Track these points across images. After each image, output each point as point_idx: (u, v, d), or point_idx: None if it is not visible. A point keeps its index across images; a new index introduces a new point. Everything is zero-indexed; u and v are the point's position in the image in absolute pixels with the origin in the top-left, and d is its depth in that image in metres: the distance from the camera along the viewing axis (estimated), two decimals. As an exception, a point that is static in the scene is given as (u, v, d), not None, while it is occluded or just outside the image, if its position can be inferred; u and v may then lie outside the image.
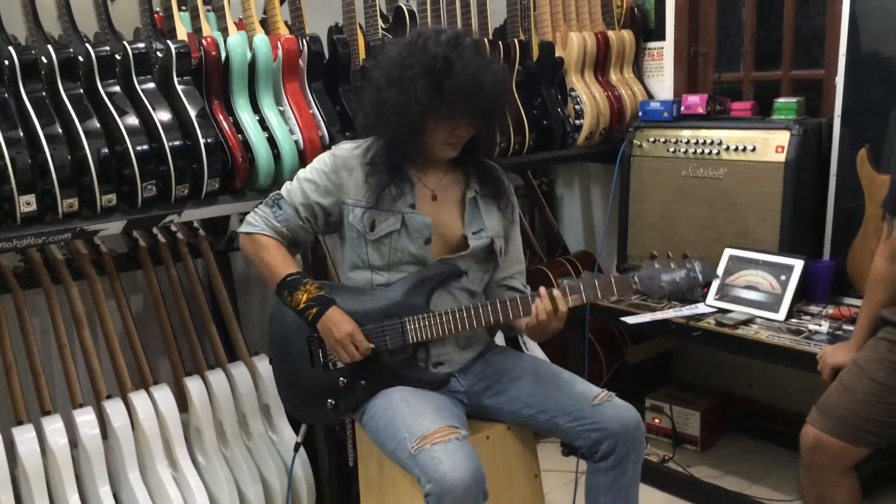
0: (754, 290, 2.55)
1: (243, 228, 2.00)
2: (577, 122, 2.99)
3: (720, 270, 2.63)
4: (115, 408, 2.27)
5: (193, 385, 2.41)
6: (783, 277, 2.51)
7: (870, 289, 2.02)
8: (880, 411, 1.85)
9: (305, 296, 1.90)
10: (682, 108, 2.93)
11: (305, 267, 2.57)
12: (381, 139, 1.92)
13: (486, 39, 2.73)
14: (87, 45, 2.07)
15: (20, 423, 2.21)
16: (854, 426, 1.87)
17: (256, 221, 1.97)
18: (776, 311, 2.48)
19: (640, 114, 3.01)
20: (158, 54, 2.13)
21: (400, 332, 1.91)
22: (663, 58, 3.21)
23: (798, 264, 2.50)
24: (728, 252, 2.65)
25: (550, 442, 3.07)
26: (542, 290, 1.85)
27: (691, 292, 1.92)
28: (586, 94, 3.01)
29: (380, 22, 2.58)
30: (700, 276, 1.89)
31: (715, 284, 2.56)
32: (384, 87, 1.85)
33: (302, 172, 1.99)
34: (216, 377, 2.45)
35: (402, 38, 1.95)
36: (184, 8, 2.36)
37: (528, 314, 1.87)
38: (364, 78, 2.39)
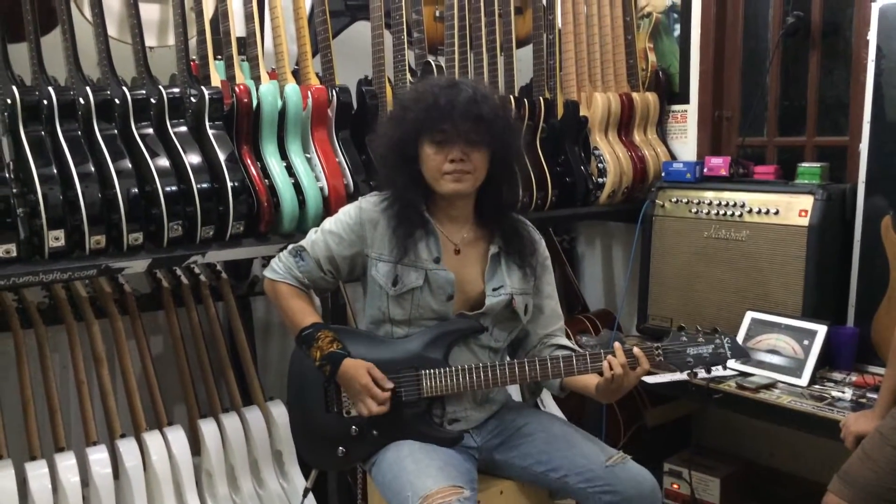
0: (776, 355, 2.52)
1: (267, 273, 2.01)
2: (600, 180, 3.01)
3: (742, 333, 2.60)
4: (128, 447, 2.27)
5: (207, 428, 2.41)
6: (806, 342, 2.48)
7: (893, 357, 1.99)
8: (904, 481, 1.81)
9: (318, 353, 1.89)
10: (706, 170, 2.94)
11: (325, 314, 2.57)
12: (395, 188, 1.92)
13: (511, 96, 2.78)
14: (124, 88, 2.14)
15: (34, 458, 2.21)
16: (876, 495, 1.82)
17: (279, 269, 1.99)
18: (798, 376, 2.44)
19: (663, 174, 3.03)
20: (192, 99, 2.19)
21: (415, 384, 1.89)
22: (687, 120, 3.24)
23: (821, 330, 2.47)
24: (750, 315, 2.63)
25: None
26: (617, 344, 1.84)
27: (716, 366, 1.89)
28: (609, 153, 3.04)
29: (408, 76, 2.63)
30: (729, 353, 1.86)
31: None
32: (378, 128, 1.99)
33: (326, 223, 1.99)
34: (230, 421, 2.45)
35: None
36: (219, 57, 2.43)
37: (558, 374, 1.85)
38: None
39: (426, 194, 1.92)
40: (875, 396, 2.28)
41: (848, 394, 2.33)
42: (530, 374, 1.88)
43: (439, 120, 1.81)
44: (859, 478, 1.85)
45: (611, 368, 1.81)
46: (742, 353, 1.91)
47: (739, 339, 2.59)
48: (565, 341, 2.05)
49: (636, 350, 1.83)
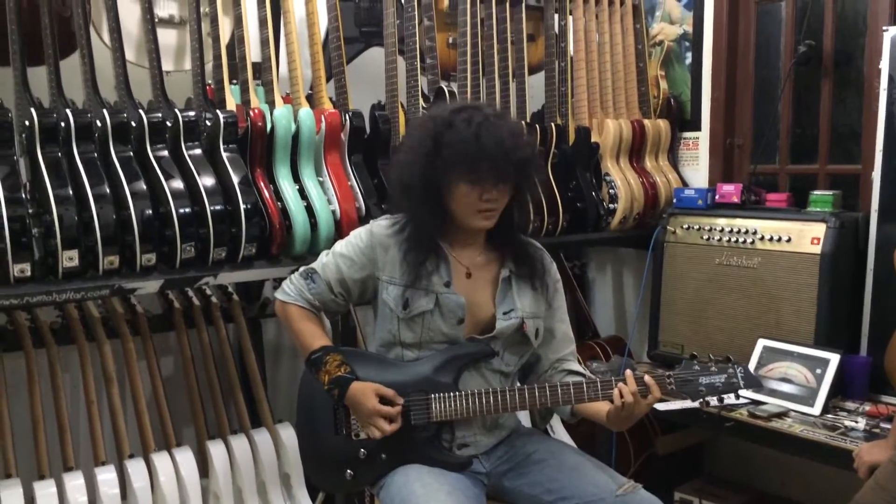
0: (789, 383, 2.50)
1: (279, 295, 2.02)
2: (612, 206, 3.02)
3: (753, 362, 2.58)
4: (136, 468, 2.27)
5: (216, 449, 2.41)
6: (819, 371, 2.46)
7: None
8: (917, 512, 1.79)
9: (326, 377, 1.89)
10: (717, 197, 2.94)
11: (335, 337, 2.58)
12: (408, 213, 1.92)
13: (523, 122, 2.80)
14: (140, 110, 2.17)
15: (42, 477, 2.21)
16: (890, 526, 1.80)
17: (291, 291, 1.99)
18: (811, 405, 2.42)
19: (675, 201, 3.03)
20: (207, 122, 2.22)
21: (425, 408, 1.88)
22: (699, 148, 3.25)
23: (834, 358, 2.45)
24: (762, 343, 2.61)
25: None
26: (628, 372, 1.82)
27: (728, 394, 1.87)
28: (621, 180, 3.05)
29: (421, 101, 2.66)
30: (742, 383, 1.85)
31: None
32: (397, 159, 1.91)
33: (338, 246, 1.99)
34: (239, 442, 2.45)
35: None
36: (234, 81, 2.46)
37: (579, 399, 1.83)
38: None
39: (443, 222, 1.92)
40: (889, 426, 2.26)
41: (861, 423, 2.31)
42: (540, 401, 1.86)
43: (480, 159, 1.78)
44: (872, 508, 1.83)
45: (621, 396, 1.79)
46: (755, 383, 1.89)
47: (751, 367, 2.57)
48: (577, 366, 2.04)
49: (647, 378, 1.81)
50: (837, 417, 2.38)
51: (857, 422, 2.33)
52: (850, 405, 2.47)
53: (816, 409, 2.40)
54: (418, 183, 1.84)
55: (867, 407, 2.44)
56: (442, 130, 1.82)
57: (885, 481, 1.85)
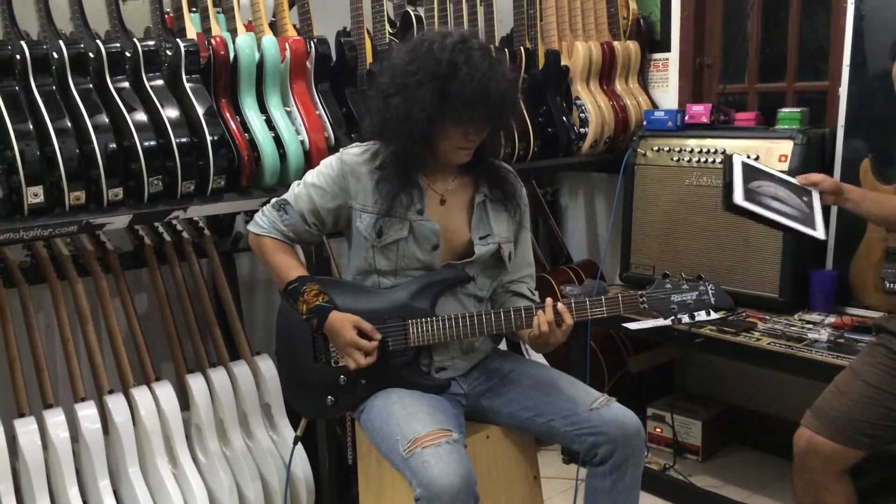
0: (781, 202, 2.15)
1: (251, 228, 2.01)
2: (582, 130, 3.01)
3: (736, 175, 2.21)
4: (116, 403, 2.28)
5: (195, 383, 2.42)
6: (805, 199, 2.16)
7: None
8: (874, 414, 1.86)
9: (304, 306, 1.90)
10: (687, 118, 2.94)
11: (309, 269, 2.58)
12: (388, 145, 1.91)
13: (492, 46, 2.76)
14: (98, 41, 2.10)
15: (22, 415, 2.22)
16: (847, 428, 1.87)
17: (264, 223, 1.98)
18: (814, 227, 2.09)
19: (645, 123, 3.03)
20: (168, 52, 2.16)
21: (402, 334, 1.91)
22: (668, 69, 3.23)
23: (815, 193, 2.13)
24: (738, 158, 2.24)
25: (551, 450, 3.06)
26: (548, 301, 1.84)
27: (699, 312, 1.90)
28: (591, 103, 3.04)
29: (387, 27, 2.61)
30: (713, 301, 1.87)
31: (738, 192, 2.14)
32: (390, 92, 1.83)
33: (308, 176, 1.98)
34: (218, 375, 2.47)
35: (408, 42, 1.90)
36: (194, 9, 2.39)
37: (529, 325, 1.85)
38: (370, 82, 2.40)
39: (423, 157, 1.90)
40: (854, 336, 2.35)
41: (825, 334, 2.38)
42: (516, 324, 1.88)
43: (482, 110, 1.78)
44: (831, 411, 1.90)
45: (539, 325, 1.82)
46: (725, 300, 1.92)
47: (738, 183, 2.19)
48: (526, 291, 2.05)
49: (560, 305, 1.83)
50: (803, 329, 2.45)
51: (821, 333, 2.39)
52: (816, 317, 2.54)
53: (820, 233, 2.09)
54: (414, 124, 1.79)
55: (832, 318, 2.51)
56: (446, 79, 1.76)
57: (843, 385, 1.92)
